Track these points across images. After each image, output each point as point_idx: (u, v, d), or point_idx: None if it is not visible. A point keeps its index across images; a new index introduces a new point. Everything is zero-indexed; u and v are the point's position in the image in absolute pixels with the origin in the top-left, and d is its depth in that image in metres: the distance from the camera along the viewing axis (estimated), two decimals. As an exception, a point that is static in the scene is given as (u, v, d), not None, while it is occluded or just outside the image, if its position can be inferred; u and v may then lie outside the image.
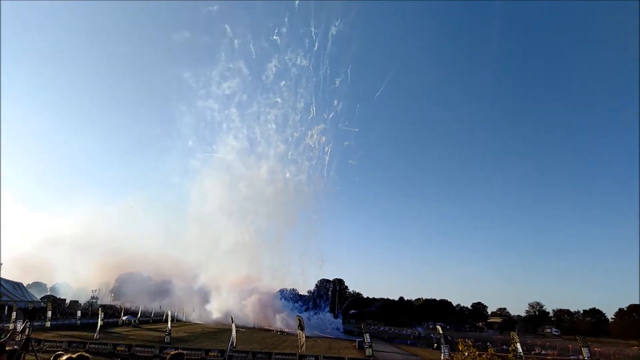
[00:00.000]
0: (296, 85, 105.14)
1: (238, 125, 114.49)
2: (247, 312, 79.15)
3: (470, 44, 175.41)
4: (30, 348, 5.46)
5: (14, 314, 40.78)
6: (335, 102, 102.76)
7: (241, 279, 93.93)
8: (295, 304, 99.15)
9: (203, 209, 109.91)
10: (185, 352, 4.37)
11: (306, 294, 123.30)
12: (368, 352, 37.06)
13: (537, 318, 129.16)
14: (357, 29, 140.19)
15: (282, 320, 77.81)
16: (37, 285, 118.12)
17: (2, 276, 62.72)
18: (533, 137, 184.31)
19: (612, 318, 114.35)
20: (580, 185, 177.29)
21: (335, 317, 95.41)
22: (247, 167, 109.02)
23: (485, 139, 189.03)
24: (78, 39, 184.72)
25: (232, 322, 31.24)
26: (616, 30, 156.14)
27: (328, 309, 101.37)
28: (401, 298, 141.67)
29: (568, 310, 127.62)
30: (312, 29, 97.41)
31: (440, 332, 36.05)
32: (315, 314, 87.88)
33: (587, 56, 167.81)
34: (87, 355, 3.68)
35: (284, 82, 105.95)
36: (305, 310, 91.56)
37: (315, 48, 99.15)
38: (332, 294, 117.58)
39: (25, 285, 69.79)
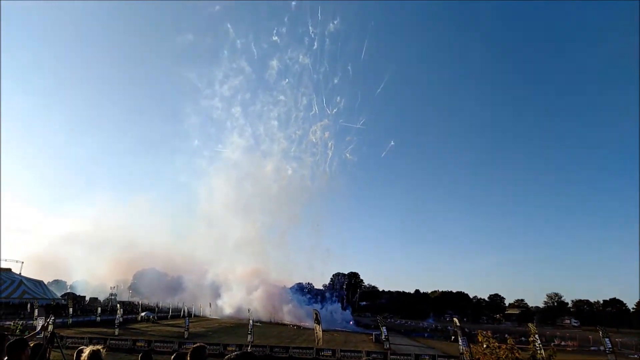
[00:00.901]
0: (298, 83, 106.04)
1: (242, 123, 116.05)
2: (255, 306, 79.55)
3: (473, 41, 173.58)
4: (55, 343, 5.37)
5: (36, 311, 41.60)
6: (338, 98, 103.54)
7: (250, 273, 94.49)
8: (303, 297, 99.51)
9: (211, 207, 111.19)
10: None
11: (321, 287, 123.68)
12: (386, 345, 36.84)
13: (555, 309, 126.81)
14: (355, 27, 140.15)
15: (289, 312, 78.33)
16: (57, 283, 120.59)
17: (22, 274, 64.06)
18: (537, 130, 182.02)
19: (633, 308, 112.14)
20: (595, 176, 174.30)
21: (344, 309, 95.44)
22: (252, 164, 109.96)
23: (493, 131, 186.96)
24: (84, 44, 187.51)
25: (250, 317, 31.35)
26: (616, 30, 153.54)
27: (337, 300, 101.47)
28: (417, 290, 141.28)
29: (587, 301, 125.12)
30: (310, 28, 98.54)
31: (457, 324, 35.51)
32: (322, 307, 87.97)
33: (588, 53, 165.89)
34: (101, 350, 4.11)
35: (287, 80, 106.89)
36: (314, 303, 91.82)
37: (315, 47, 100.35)
38: (346, 288, 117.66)
39: (45, 283, 71.00)
